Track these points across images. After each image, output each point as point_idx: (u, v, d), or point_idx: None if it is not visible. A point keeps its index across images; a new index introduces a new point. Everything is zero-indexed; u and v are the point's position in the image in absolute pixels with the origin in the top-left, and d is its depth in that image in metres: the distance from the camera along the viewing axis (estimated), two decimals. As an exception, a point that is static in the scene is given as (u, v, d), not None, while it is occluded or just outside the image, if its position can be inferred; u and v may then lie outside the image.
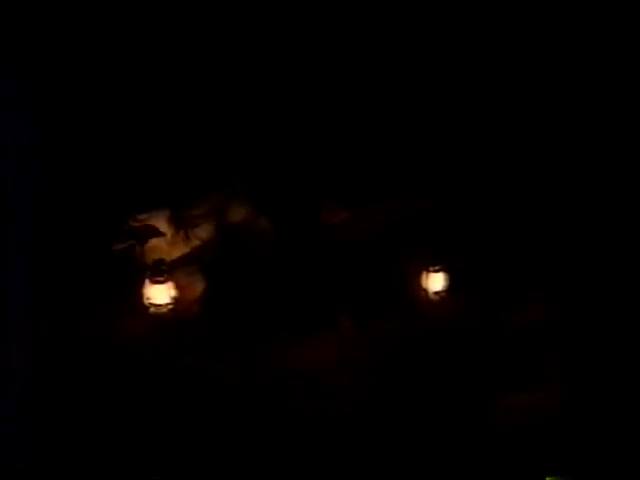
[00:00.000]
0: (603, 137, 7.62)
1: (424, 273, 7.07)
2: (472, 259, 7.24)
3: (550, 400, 6.27)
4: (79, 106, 7.27)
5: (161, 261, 6.99)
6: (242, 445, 6.03)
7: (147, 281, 6.90)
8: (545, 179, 7.64)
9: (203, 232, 7.28)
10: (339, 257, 7.22)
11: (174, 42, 7.34)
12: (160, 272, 6.92)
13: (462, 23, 7.63)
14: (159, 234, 7.16)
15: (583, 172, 7.59)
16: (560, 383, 6.39)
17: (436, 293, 7.07)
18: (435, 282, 7.06)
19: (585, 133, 7.64)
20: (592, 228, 7.37)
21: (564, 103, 7.68)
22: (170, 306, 6.91)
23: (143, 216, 7.14)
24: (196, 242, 7.24)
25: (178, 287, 6.94)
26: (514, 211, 7.56)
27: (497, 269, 7.22)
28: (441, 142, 7.78)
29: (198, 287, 7.07)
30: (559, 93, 7.71)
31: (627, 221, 7.37)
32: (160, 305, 6.92)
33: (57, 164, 7.02)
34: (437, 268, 7.04)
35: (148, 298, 6.92)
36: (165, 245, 7.17)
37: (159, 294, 6.93)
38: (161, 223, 7.18)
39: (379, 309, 6.94)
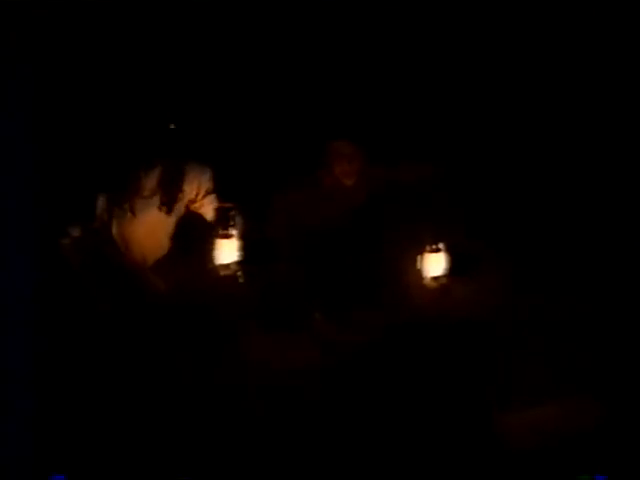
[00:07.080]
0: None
1: (420, 254, 5.59)
2: (478, 237, 5.73)
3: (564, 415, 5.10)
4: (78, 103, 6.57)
5: (228, 208, 5.50)
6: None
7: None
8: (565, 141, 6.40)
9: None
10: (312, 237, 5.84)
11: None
12: (228, 223, 5.43)
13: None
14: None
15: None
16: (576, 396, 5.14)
17: (435, 278, 5.58)
18: (433, 265, 5.57)
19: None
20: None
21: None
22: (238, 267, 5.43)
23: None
24: None
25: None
26: (532, 183, 6.17)
27: (511, 251, 5.71)
28: (444, 96, 6.59)
29: None
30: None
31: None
32: (227, 265, 5.40)
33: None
34: (436, 247, 5.57)
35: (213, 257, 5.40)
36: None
37: (226, 251, 5.40)
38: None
39: (360, 300, 5.57)
